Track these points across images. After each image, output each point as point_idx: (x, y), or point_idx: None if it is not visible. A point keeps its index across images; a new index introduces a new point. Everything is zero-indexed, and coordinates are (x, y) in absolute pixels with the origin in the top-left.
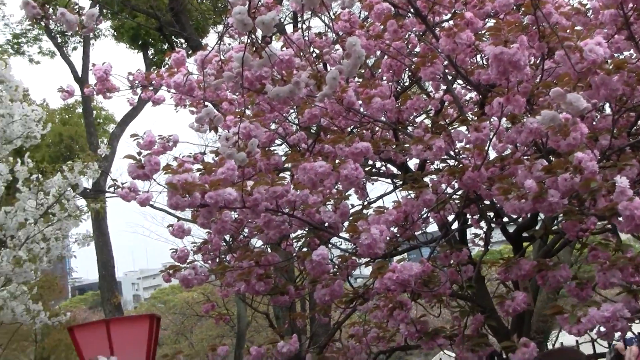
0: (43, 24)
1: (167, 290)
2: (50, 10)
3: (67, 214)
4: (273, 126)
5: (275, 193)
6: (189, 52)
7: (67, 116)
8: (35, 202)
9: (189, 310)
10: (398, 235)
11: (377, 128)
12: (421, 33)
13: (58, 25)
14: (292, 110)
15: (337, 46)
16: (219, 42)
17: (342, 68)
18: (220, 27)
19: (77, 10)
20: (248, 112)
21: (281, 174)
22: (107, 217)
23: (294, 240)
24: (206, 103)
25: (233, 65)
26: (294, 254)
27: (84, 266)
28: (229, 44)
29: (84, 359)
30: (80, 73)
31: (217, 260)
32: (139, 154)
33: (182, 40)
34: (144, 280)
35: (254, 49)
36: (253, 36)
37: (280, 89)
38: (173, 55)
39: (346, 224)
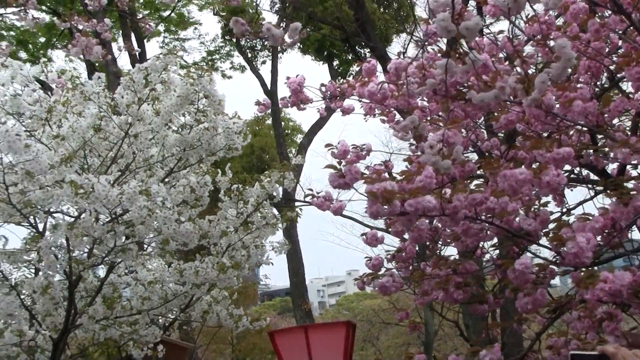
0: (234, 41)
1: (352, 298)
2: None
3: (265, 222)
4: (463, 132)
5: (474, 200)
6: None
7: (257, 128)
8: (235, 211)
9: (375, 317)
10: (602, 244)
11: (571, 132)
12: (622, 31)
13: (248, 41)
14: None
15: (528, 48)
16: (421, 49)
17: (551, 71)
18: (403, 36)
19: (282, 25)
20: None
21: (475, 181)
22: (296, 226)
23: (491, 248)
24: (395, 112)
25: (436, 72)
26: (492, 262)
27: (271, 273)
28: (421, 52)
29: None
30: (269, 86)
31: (411, 268)
32: (339, 163)
33: (367, 50)
34: (329, 288)
35: (457, 55)
36: (447, 43)
37: (485, 94)
38: (364, 65)
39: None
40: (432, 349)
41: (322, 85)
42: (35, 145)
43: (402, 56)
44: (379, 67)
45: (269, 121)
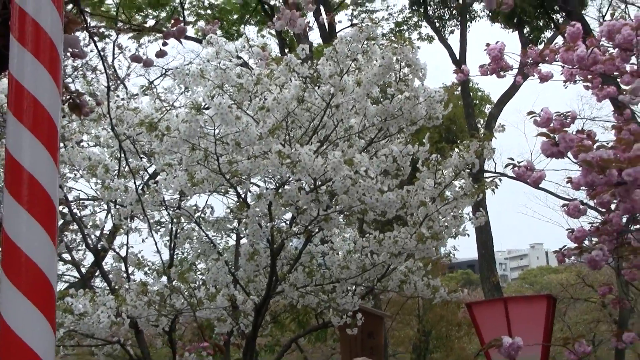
0: (423, 11)
1: (535, 272)
2: None
3: (462, 193)
4: None
5: None
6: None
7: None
8: (433, 181)
9: (562, 292)
10: None
11: None
12: None
13: (436, 10)
14: None
15: None
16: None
17: None
18: None
19: None
20: None
21: None
22: (485, 197)
23: None
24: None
25: None
26: None
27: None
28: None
29: (481, 333)
30: (457, 55)
31: (616, 241)
32: (552, 131)
33: (561, 15)
34: (511, 261)
35: None
36: None
37: None
38: (568, 29)
39: None
40: (626, 327)
41: (524, 49)
42: (244, 117)
43: (609, 18)
44: None
45: (457, 92)
